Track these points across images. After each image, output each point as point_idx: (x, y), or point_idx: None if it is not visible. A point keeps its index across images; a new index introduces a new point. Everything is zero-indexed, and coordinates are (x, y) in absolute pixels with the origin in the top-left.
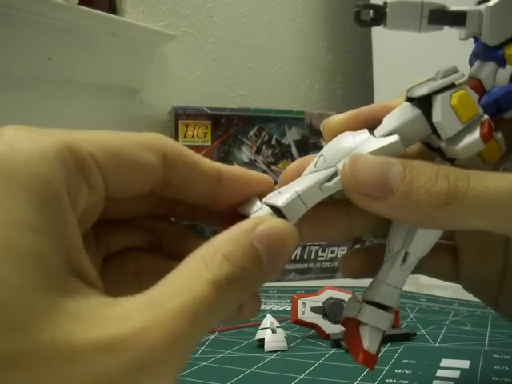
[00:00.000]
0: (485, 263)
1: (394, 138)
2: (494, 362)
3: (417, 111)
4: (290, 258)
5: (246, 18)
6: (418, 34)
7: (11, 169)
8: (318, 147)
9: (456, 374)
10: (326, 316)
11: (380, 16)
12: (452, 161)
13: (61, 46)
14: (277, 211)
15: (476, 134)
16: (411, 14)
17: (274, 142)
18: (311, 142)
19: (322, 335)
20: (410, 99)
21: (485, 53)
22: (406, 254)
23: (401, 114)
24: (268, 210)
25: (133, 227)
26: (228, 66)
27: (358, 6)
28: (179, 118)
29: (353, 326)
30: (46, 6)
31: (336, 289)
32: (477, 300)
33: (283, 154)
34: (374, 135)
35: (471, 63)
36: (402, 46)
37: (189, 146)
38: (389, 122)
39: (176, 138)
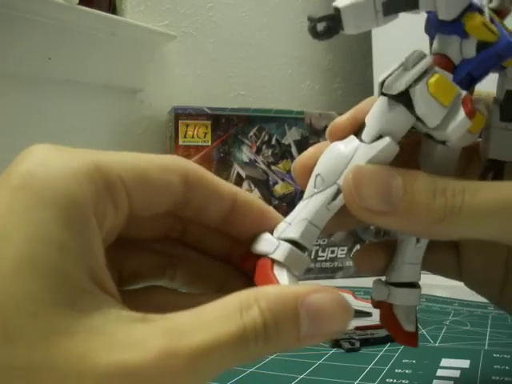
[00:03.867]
0: (487, 258)
1: (386, 141)
2: (494, 361)
3: (399, 107)
4: (334, 335)
5: (246, 18)
6: (417, 34)
7: (42, 187)
8: None
9: (456, 374)
10: None
11: (336, 24)
12: (443, 142)
13: (61, 46)
14: (293, 242)
15: (462, 114)
16: (366, 13)
17: (274, 141)
18: (311, 142)
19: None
20: (385, 93)
21: (444, 27)
22: None
23: (382, 112)
24: (287, 246)
25: (146, 251)
26: (228, 66)
27: (312, 21)
28: (179, 118)
29: (387, 309)
30: (46, 5)
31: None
32: (477, 300)
33: (283, 154)
34: (362, 141)
35: (429, 33)
36: (402, 46)
37: (189, 146)
38: (373, 123)
39: (176, 137)
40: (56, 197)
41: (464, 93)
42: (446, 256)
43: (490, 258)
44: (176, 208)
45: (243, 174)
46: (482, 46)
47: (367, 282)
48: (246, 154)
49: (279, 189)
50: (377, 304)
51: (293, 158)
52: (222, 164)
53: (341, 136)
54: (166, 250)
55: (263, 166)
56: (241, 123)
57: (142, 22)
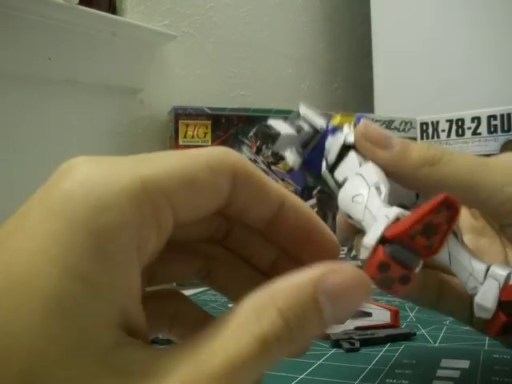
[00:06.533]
0: None
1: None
2: (494, 361)
3: (351, 154)
4: (357, 311)
5: (246, 18)
6: (417, 34)
7: (81, 213)
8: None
9: (456, 374)
10: None
11: (274, 140)
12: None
13: (61, 46)
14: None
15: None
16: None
17: None
18: None
19: (322, 335)
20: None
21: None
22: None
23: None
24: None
25: (184, 253)
26: (228, 66)
27: (261, 133)
28: (179, 118)
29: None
30: (46, 5)
31: None
32: None
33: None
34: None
35: (314, 171)
36: (402, 47)
37: (189, 146)
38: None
39: (176, 138)
40: (95, 226)
41: None
42: (459, 296)
43: None
44: (220, 207)
45: None
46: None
47: None
48: (245, 154)
49: None
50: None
51: None
52: None
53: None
54: (205, 251)
55: (263, 166)
56: (241, 123)
57: (142, 22)
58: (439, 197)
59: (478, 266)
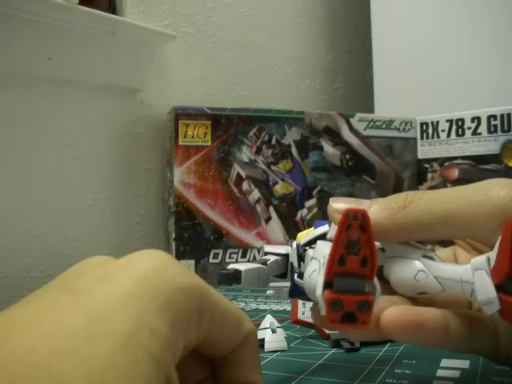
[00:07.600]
0: None
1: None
2: None
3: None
4: None
5: (246, 18)
6: (417, 34)
7: (154, 285)
8: (317, 147)
9: (456, 374)
10: None
11: (238, 278)
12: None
13: (61, 46)
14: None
15: None
16: (253, 276)
17: (274, 141)
18: (311, 142)
19: (322, 335)
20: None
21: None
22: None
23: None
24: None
25: None
26: (228, 66)
27: (225, 272)
28: (179, 118)
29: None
30: (46, 5)
31: None
32: None
33: (283, 154)
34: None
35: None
36: (402, 47)
37: (189, 146)
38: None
39: (176, 137)
40: (166, 301)
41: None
42: (484, 329)
43: None
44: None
45: (243, 174)
46: None
47: None
48: (246, 153)
49: (279, 189)
50: None
51: (293, 158)
52: (222, 164)
53: None
54: None
55: (263, 166)
56: (241, 123)
57: (142, 22)
58: (341, 213)
59: (463, 270)
